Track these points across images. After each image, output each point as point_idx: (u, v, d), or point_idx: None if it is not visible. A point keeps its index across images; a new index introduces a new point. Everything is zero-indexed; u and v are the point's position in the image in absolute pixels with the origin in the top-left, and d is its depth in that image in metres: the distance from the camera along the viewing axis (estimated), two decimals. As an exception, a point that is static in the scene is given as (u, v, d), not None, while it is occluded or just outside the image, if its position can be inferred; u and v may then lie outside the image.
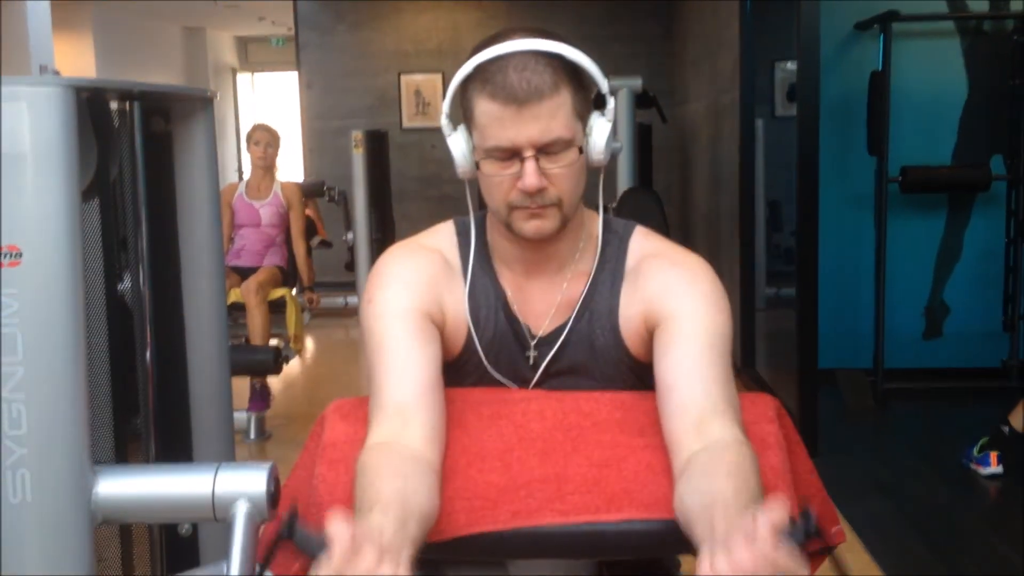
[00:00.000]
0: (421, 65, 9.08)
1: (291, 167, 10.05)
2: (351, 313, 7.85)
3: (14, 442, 1.19)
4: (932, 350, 5.32)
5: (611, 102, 1.40)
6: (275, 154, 5.46)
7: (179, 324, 1.58)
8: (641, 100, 6.27)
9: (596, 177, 1.50)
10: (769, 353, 5.65)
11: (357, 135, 7.74)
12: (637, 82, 6.13)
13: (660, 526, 1.23)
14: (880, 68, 4.97)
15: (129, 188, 1.53)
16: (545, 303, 1.48)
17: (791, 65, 5.72)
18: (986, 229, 5.22)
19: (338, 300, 7.76)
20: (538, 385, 1.46)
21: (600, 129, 1.40)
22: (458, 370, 1.47)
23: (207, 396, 1.58)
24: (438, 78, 9.04)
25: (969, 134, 5.19)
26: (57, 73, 1.65)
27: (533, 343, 1.47)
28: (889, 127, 4.95)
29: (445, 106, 1.41)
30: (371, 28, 9.13)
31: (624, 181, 6.13)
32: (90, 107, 1.37)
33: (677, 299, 1.38)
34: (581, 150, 1.38)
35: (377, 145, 7.39)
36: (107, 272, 1.47)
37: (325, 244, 6.71)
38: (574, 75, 1.36)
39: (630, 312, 1.44)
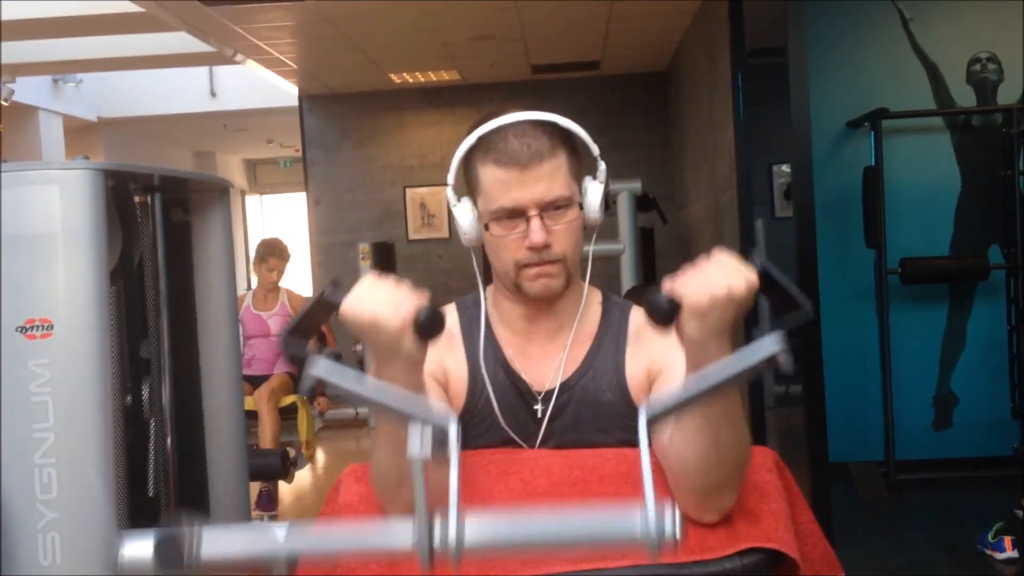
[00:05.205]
0: (425, 178, 9.25)
1: (300, 281, 10.19)
2: (361, 424, 7.89)
3: (45, 506, 1.24)
4: (943, 440, 5.32)
5: (602, 165, 1.53)
6: (284, 271, 5.68)
7: (196, 393, 1.64)
8: (642, 204, 6.39)
9: (587, 247, 1.60)
10: (780, 450, 5.62)
11: (364, 247, 7.90)
12: (637, 185, 6.26)
13: (664, 571, 1.26)
14: (873, 163, 5.10)
15: (150, 273, 1.60)
16: (548, 362, 1.56)
17: (787, 168, 5.84)
18: (988, 317, 5.27)
19: (348, 411, 7.77)
20: (544, 439, 1.52)
21: (594, 191, 1.52)
22: (464, 424, 1.52)
23: (224, 461, 1.63)
24: (442, 191, 9.16)
25: (965, 225, 5.28)
26: (87, 158, 1.72)
27: (540, 397, 1.54)
28: (885, 220, 5.05)
29: (450, 177, 1.52)
30: (376, 144, 9.35)
31: (628, 283, 6.20)
32: (115, 196, 1.46)
33: (677, 352, 1.44)
34: (580, 206, 1.50)
35: (384, 256, 7.52)
36: (131, 353, 1.54)
37: (335, 355, 6.76)
38: (568, 141, 1.50)
39: (635, 369, 1.53)
